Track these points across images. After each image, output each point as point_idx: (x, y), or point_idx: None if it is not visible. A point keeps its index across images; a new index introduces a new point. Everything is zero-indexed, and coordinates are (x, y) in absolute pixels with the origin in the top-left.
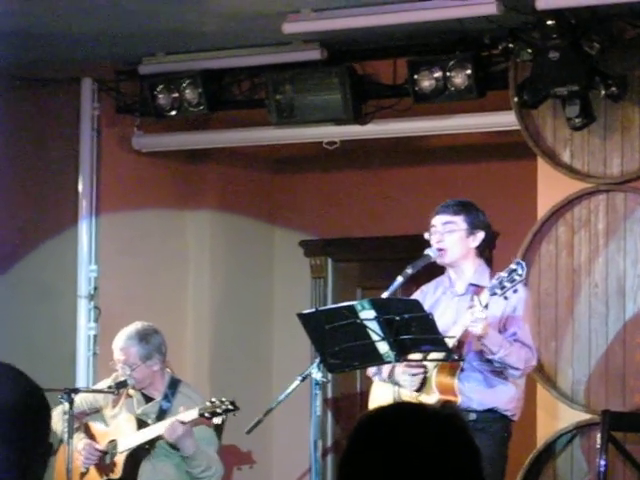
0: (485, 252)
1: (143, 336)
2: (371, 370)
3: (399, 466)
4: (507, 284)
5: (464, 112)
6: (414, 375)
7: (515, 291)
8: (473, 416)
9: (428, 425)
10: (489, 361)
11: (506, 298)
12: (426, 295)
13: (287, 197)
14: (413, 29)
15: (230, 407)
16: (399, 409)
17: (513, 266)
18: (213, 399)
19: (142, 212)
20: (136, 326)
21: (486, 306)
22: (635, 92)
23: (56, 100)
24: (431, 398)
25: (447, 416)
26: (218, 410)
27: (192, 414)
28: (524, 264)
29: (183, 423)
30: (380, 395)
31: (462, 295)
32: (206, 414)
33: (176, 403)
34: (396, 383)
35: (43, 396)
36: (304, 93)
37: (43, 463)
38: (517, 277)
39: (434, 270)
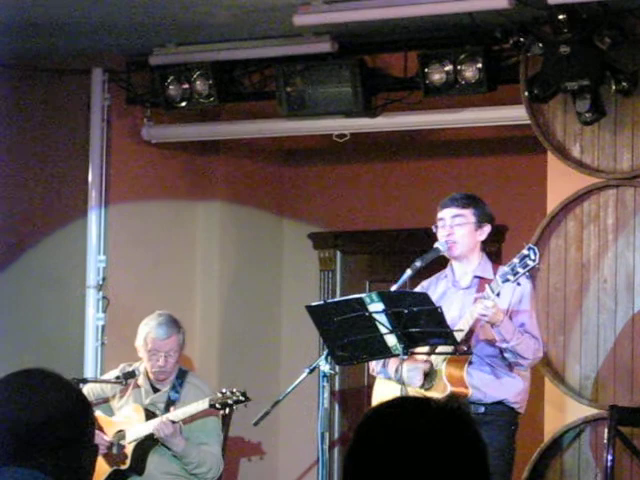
0: (490, 245)
1: (179, 324)
2: (376, 368)
3: (403, 460)
4: (520, 270)
5: (474, 106)
6: (416, 368)
7: (529, 277)
8: (482, 409)
9: (432, 419)
10: (498, 353)
11: (519, 284)
12: (427, 290)
13: (296, 189)
14: (424, 22)
15: (241, 398)
16: (403, 403)
17: (525, 252)
18: (224, 390)
19: (151, 203)
20: (166, 315)
21: (498, 294)
22: None
23: (66, 91)
24: (442, 393)
25: (452, 409)
26: (229, 401)
27: (182, 414)
28: (536, 249)
29: (173, 422)
30: (386, 393)
31: (467, 288)
32: (217, 405)
33: (184, 393)
34: (402, 381)
35: (85, 400)
36: (314, 85)
37: (91, 465)
38: (530, 262)
39: (443, 263)
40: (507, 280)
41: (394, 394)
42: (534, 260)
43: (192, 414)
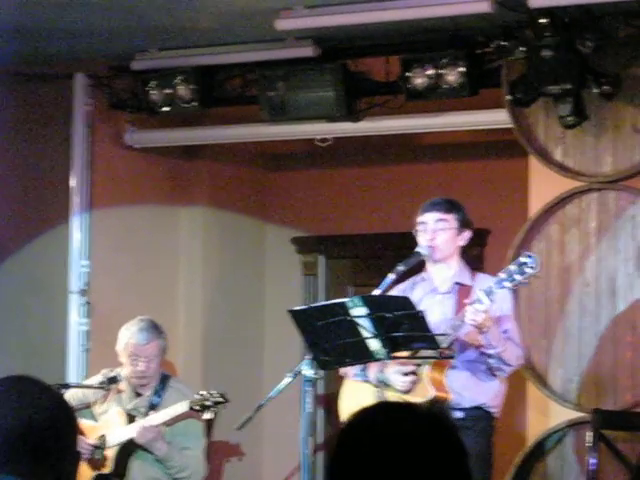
0: (472, 249)
1: (160, 329)
2: (351, 371)
3: (386, 466)
4: (517, 277)
5: (457, 110)
6: (406, 375)
7: (525, 284)
8: (461, 414)
9: (416, 425)
10: (478, 357)
11: (514, 291)
12: (403, 294)
13: (279, 194)
14: (406, 26)
15: (220, 399)
16: (386, 409)
17: (523, 259)
18: (202, 392)
19: (134, 208)
20: (147, 320)
21: (491, 299)
22: (628, 91)
23: (49, 95)
24: (424, 397)
25: (435, 415)
26: (207, 403)
27: (162, 417)
28: (535, 257)
29: (154, 426)
30: (358, 396)
31: (446, 293)
32: (196, 407)
33: (166, 398)
34: (383, 382)
35: (68, 407)
36: (297, 90)
37: (73, 472)
38: (529, 270)
39: (425, 267)
40: (503, 287)
41: (366, 396)
42: (534, 267)
43: (172, 416)
